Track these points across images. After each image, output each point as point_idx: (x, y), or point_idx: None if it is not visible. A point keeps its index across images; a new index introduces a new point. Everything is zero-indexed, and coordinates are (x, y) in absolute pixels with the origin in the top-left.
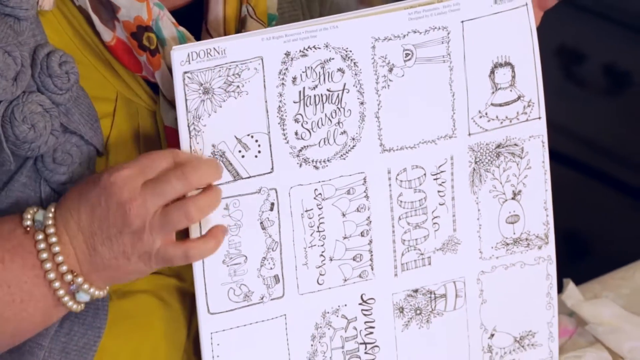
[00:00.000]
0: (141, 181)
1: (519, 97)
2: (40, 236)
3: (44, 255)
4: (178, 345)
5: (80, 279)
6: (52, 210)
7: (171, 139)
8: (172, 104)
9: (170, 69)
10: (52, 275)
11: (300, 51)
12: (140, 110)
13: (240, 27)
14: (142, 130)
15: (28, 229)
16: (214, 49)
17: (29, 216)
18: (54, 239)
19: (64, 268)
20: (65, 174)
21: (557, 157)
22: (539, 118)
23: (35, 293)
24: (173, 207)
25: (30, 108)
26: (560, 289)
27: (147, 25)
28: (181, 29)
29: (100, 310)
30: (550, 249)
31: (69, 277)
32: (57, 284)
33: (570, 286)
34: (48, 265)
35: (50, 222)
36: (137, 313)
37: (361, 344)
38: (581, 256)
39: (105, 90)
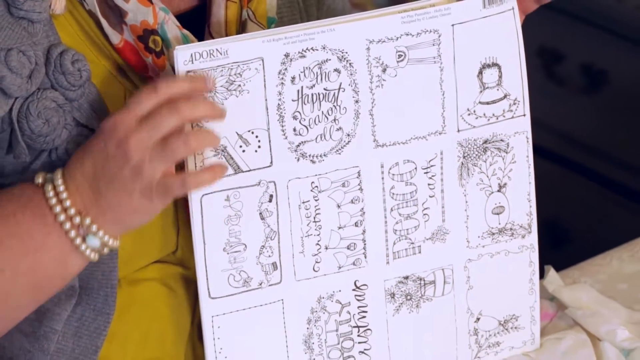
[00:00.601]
0: (134, 119)
1: (505, 96)
2: (49, 187)
3: (53, 201)
4: (183, 330)
5: (88, 219)
6: (61, 170)
7: None
8: None
9: (174, 70)
10: (61, 218)
11: (299, 52)
12: None
13: (241, 30)
14: None
15: (39, 185)
16: (217, 49)
17: (39, 176)
18: (61, 188)
19: (72, 211)
20: None
21: (538, 151)
22: (524, 115)
23: (47, 242)
24: (172, 136)
25: (44, 104)
26: (542, 275)
27: (153, 28)
28: (185, 32)
29: (109, 297)
30: (533, 238)
31: (77, 219)
32: (67, 226)
33: (551, 272)
34: (57, 209)
35: (59, 176)
36: (145, 300)
37: (354, 327)
38: (561, 244)
39: (114, 88)
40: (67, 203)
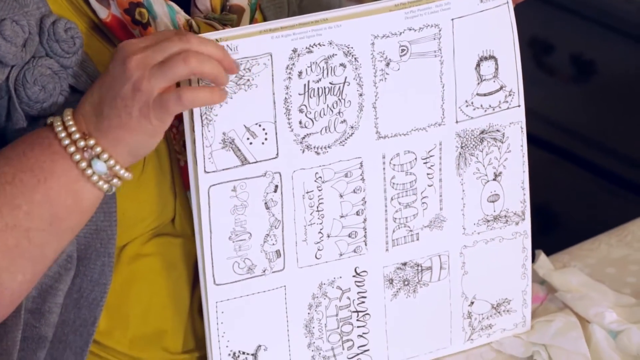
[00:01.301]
0: (144, 44)
1: (501, 87)
2: (58, 121)
3: (59, 129)
4: (183, 304)
5: (92, 141)
6: (71, 109)
7: None
8: None
9: None
10: (66, 142)
11: (306, 48)
12: None
13: (225, 0)
14: None
15: (48, 123)
16: (227, 46)
17: (49, 118)
18: (68, 118)
19: (77, 135)
20: None
21: (529, 138)
22: (519, 106)
23: (55, 168)
24: (174, 54)
25: (40, 71)
26: (533, 259)
27: (139, 1)
28: (171, 3)
29: (106, 266)
30: (526, 225)
31: (82, 143)
32: (72, 149)
33: (542, 257)
34: (62, 135)
35: (68, 112)
36: (145, 275)
37: (354, 312)
38: (552, 229)
39: (106, 57)
40: (72, 129)
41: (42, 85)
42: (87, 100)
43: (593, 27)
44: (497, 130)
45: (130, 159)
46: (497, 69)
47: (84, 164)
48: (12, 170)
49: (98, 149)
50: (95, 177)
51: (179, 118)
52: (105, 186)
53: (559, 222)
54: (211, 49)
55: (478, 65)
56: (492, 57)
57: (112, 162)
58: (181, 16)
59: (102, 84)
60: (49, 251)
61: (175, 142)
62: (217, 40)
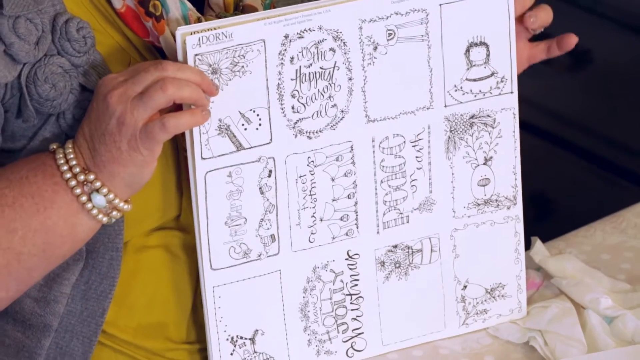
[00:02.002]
0: (123, 78)
1: (492, 74)
2: (60, 152)
3: (61, 161)
4: (187, 295)
5: (92, 176)
6: (72, 139)
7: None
8: None
9: (174, 35)
10: (68, 175)
11: (297, 33)
12: None
13: (239, 0)
14: None
15: (51, 151)
16: (222, 33)
17: (53, 144)
18: (69, 151)
19: (77, 169)
20: None
21: (524, 126)
22: (511, 92)
23: (56, 199)
24: (150, 84)
25: (51, 69)
26: (529, 246)
27: None
28: (184, 0)
29: (114, 260)
30: (518, 209)
31: (82, 177)
32: (73, 183)
33: (538, 243)
34: (64, 168)
35: (69, 143)
36: (150, 267)
37: (347, 295)
38: (547, 216)
39: (119, 55)
40: (73, 162)
41: (53, 84)
42: (80, 134)
43: (589, 17)
44: (488, 116)
45: (128, 191)
46: (488, 55)
47: (84, 198)
48: (13, 194)
49: (98, 184)
50: (94, 211)
51: None
52: (105, 219)
53: (554, 209)
54: (188, 74)
55: (468, 50)
56: (483, 44)
57: (111, 196)
58: (192, 13)
59: (89, 119)
60: (36, 274)
61: (183, 138)
62: (213, 28)
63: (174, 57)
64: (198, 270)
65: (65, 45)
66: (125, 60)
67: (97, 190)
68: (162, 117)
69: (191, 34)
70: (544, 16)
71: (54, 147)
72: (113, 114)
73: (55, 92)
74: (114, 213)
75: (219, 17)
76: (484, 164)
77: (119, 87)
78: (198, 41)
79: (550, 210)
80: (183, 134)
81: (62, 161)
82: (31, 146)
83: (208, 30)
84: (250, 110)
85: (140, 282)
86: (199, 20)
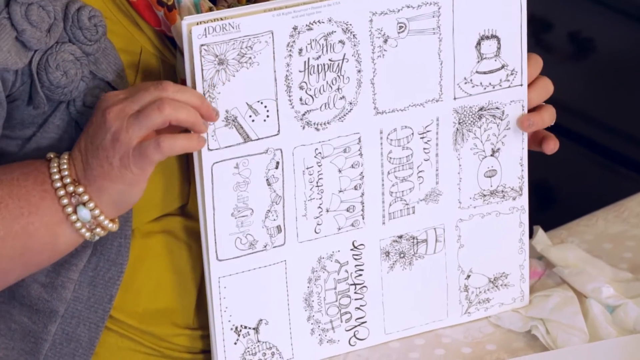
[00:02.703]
0: (124, 96)
1: (502, 66)
2: (55, 161)
3: (54, 170)
4: (193, 281)
5: (81, 189)
6: (68, 152)
7: None
8: None
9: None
10: (57, 184)
11: (306, 25)
12: (161, 63)
13: None
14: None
15: (47, 159)
16: (229, 24)
17: (51, 153)
18: (64, 161)
19: (68, 180)
20: None
21: None
22: (521, 85)
23: (41, 206)
24: (148, 103)
25: (62, 56)
26: (531, 235)
27: None
28: None
29: (122, 247)
30: (524, 200)
31: (71, 188)
32: (61, 192)
33: (540, 232)
34: (56, 177)
35: (65, 154)
36: (157, 252)
37: (351, 285)
38: (550, 205)
39: (130, 44)
40: (65, 172)
41: (64, 71)
42: (77, 146)
43: (591, 6)
44: (497, 108)
45: (114, 209)
46: (499, 48)
47: (69, 209)
48: (1, 193)
49: (85, 197)
50: (78, 224)
51: None
52: (88, 234)
53: (556, 198)
54: (187, 96)
55: (479, 43)
56: (494, 37)
57: (97, 211)
58: (204, 3)
59: (87, 133)
60: (10, 277)
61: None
62: (220, 18)
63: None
64: (203, 256)
65: (76, 33)
66: (137, 49)
67: (84, 204)
68: (157, 137)
69: (197, 24)
70: (545, 120)
71: (51, 155)
72: (109, 130)
73: (67, 80)
74: (98, 230)
75: (231, 7)
76: (491, 155)
77: (118, 104)
78: (204, 32)
79: (553, 199)
80: None
81: (54, 170)
82: (41, 133)
83: (215, 20)
84: (258, 101)
85: (146, 268)
86: (210, 10)
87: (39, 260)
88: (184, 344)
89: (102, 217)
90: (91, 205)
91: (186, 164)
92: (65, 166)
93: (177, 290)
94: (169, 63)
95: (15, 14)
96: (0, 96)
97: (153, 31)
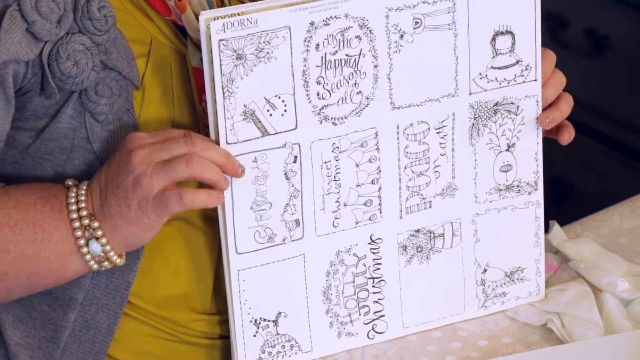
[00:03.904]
0: (150, 140)
1: (517, 62)
2: (74, 190)
3: (71, 200)
4: (210, 267)
5: (96, 223)
6: (87, 181)
7: (198, 78)
8: (198, 47)
9: (196, 15)
10: (73, 216)
11: (323, 21)
12: (172, 52)
13: None
14: (174, 69)
15: (67, 186)
16: (247, 19)
17: (69, 180)
18: (82, 192)
19: (84, 212)
20: (107, 105)
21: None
22: (535, 80)
23: (55, 235)
24: (177, 156)
25: (73, 47)
26: (547, 229)
27: None
28: None
29: None
30: (539, 195)
31: (86, 221)
32: (76, 224)
33: (556, 227)
34: (72, 207)
35: (84, 184)
36: (174, 239)
37: (369, 278)
38: (565, 200)
39: (140, 34)
40: (82, 204)
41: (75, 61)
42: (96, 179)
43: (608, 3)
44: (512, 103)
45: (125, 247)
46: (514, 43)
47: (82, 242)
48: (17, 216)
49: (99, 233)
50: (88, 256)
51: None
52: (95, 266)
53: (572, 193)
54: (214, 154)
55: (494, 39)
56: (508, 32)
57: (108, 247)
58: None
59: (109, 168)
60: (14, 294)
61: (205, 115)
62: (238, 14)
63: (196, 35)
64: (220, 242)
65: (86, 23)
66: (147, 39)
67: (97, 239)
68: (180, 189)
69: (215, 19)
70: (564, 111)
71: (70, 183)
72: (132, 172)
73: (77, 69)
74: (105, 263)
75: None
76: (507, 150)
77: (145, 148)
78: (223, 27)
79: (568, 194)
80: (206, 112)
81: (72, 200)
82: (54, 124)
83: (232, 15)
84: (276, 96)
85: (164, 254)
86: (221, 1)
87: (44, 284)
88: (202, 329)
89: (111, 253)
90: (103, 241)
91: None
92: (83, 197)
93: (193, 276)
94: (180, 52)
95: (26, 5)
96: (9, 92)
97: (163, 20)
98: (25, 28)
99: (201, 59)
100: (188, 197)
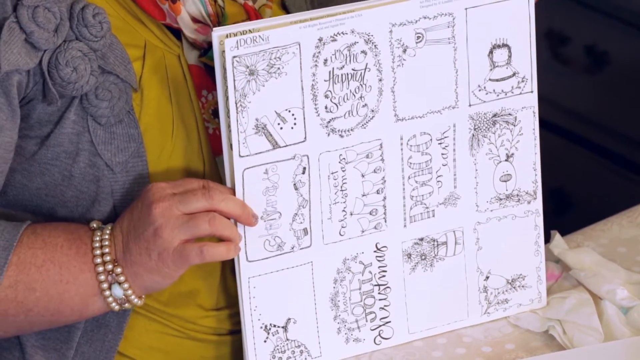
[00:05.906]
0: (171, 191)
1: (514, 74)
2: (98, 234)
3: (96, 245)
4: (215, 264)
5: (119, 269)
6: (112, 224)
7: (195, 75)
8: (193, 45)
9: (191, 17)
10: (98, 261)
11: (331, 37)
12: (166, 54)
13: None
14: (169, 70)
15: (91, 229)
16: (259, 36)
17: (94, 222)
18: (106, 237)
19: (108, 258)
20: (107, 108)
21: (545, 125)
22: (532, 92)
23: (79, 277)
24: (199, 213)
25: (71, 54)
26: (548, 239)
27: None
28: None
29: None
30: (538, 204)
31: (110, 266)
32: (100, 269)
33: (557, 237)
34: (97, 252)
35: (108, 228)
36: None
37: (375, 285)
38: (566, 211)
39: (134, 38)
40: (106, 250)
41: (74, 67)
42: (119, 225)
43: (607, 20)
44: (509, 114)
45: (144, 291)
46: (510, 56)
47: (105, 285)
48: (44, 257)
49: (122, 278)
50: (110, 299)
51: (207, 89)
52: (116, 307)
53: (573, 204)
54: (231, 206)
55: (491, 52)
56: (505, 45)
57: (129, 291)
58: None
59: (131, 216)
60: (36, 328)
61: (204, 110)
62: (249, 31)
63: (192, 35)
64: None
65: (82, 30)
66: (141, 43)
67: (120, 283)
68: (202, 244)
69: (227, 35)
70: None
71: (94, 225)
72: (152, 224)
73: (77, 75)
74: (126, 305)
75: None
76: (506, 160)
77: (165, 200)
78: (236, 44)
79: (569, 205)
80: (205, 107)
81: (97, 244)
82: (58, 129)
83: (244, 32)
84: (286, 110)
85: None
86: (215, 3)
87: (64, 321)
88: (210, 325)
89: (133, 297)
90: (126, 285)
91: (200, 146)
92: (106, 242)
93: (200, 272)
94: (173, 54)
95: (23, 17)
96: (14, 103)
97: (155, 24)
98: (24, 38)
99: (197, 57)
100: (209, 252)
